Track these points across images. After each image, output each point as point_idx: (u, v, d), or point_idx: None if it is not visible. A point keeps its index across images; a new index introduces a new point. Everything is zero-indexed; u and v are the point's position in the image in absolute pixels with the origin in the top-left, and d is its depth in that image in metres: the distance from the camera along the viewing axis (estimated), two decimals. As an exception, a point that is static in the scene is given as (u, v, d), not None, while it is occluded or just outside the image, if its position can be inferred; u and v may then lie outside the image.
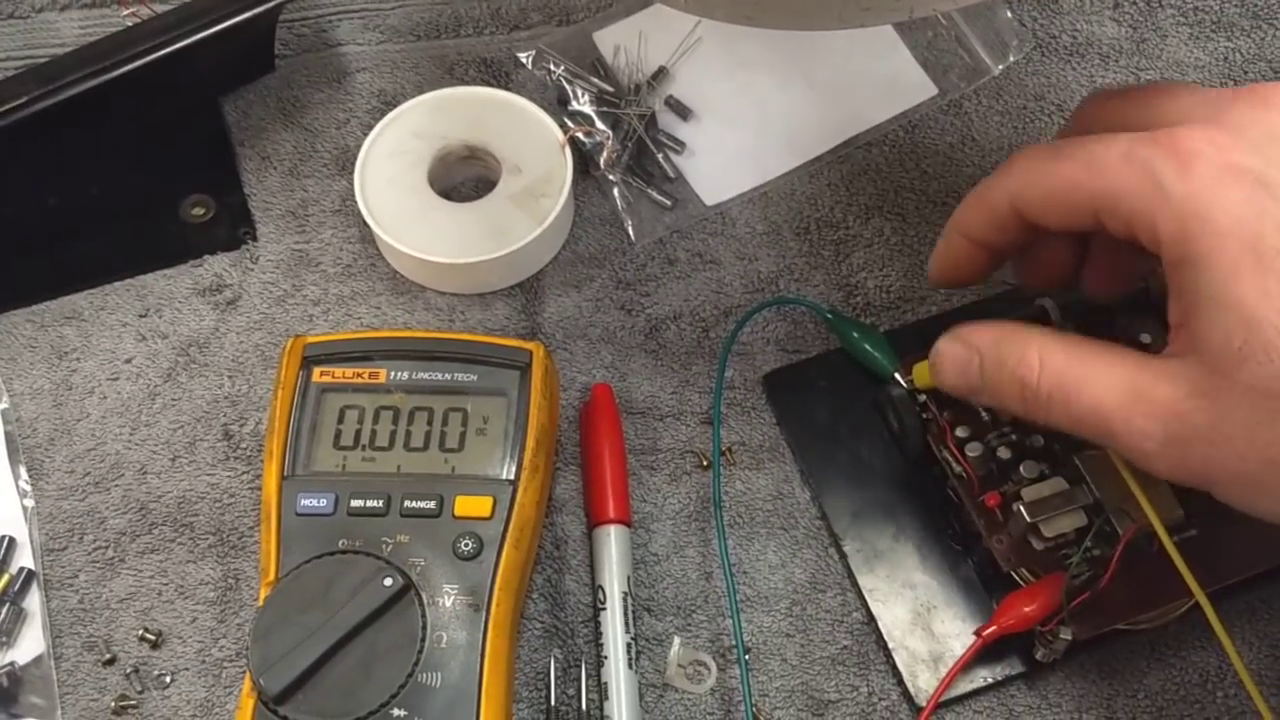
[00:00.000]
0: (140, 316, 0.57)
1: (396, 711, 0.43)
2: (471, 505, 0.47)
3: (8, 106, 0.54)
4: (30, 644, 0.49)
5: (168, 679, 0.49)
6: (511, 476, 0.48)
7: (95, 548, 0.51)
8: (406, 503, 0.47)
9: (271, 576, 0.46)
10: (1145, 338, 0.51)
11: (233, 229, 0.59)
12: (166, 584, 0.51)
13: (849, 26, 0.46)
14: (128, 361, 0.56)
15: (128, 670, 0.49)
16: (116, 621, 0.50)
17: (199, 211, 0.59)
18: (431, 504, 0.47)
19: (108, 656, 0.49)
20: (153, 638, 0.49)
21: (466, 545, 0.46)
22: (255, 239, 0.59)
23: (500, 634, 0.45)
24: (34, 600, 0.50)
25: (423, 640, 0.44)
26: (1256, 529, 0.48)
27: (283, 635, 0.44)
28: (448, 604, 0.45)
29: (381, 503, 0.47)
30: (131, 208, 0.60)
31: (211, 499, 0.52)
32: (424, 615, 0.45)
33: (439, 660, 0.44)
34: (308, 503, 0.47)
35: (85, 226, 0.59)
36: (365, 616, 0.44)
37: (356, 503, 0.47)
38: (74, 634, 0.50)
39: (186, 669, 0.49)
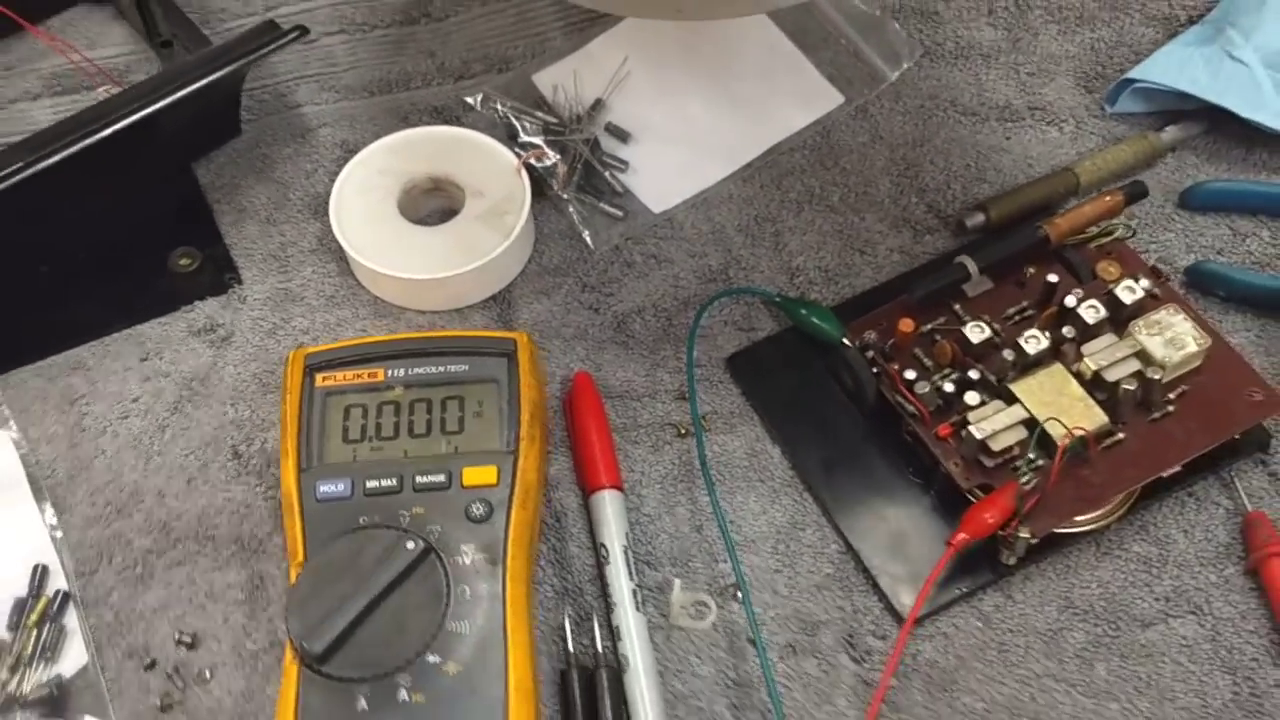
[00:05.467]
0: (142, 360, 0.61)
1: (432, 658, 0.47)
2: (479, 475, 0.52)
3: (4, 172, 0.58)
4: (74, 658, 0.52)
5: (208, 674, 0.52)
6: (511, 447, 0.53)
7: (124, 567, 0.55)
8: (418, 479, 0.51)
9: (300, 558, 0.50)
10: (1053, 277, 0.58)
11: (218, 275, 0.64)
12: (196, 591, 0.54)
13: (687, 19, 0.52)
14: (135, 400, 0.60)
15: (169, 671, 0.52)
16: (153, 630, 0.53)
17: (185, 262, 0.64)
18: (441, 477, 0.51)
19: (148, 661, 0.52)
20: (188, 640, 0.53)
21: (478, 509, 0.51)
22: (240, 282, 0.64)
23: (518, 583, 0.50)
24: (72, 619, 0.53)
25: (448, 594, 0.49)
26: (1177, 431, 0.55)
27: (318, 604, 0.48)
28: (466, 562, 0.50)
29: (395, 482, 0.51)
30: (122, 266, 0.64)
31: (229, 512, 0.56)
32: (446, 572, 0.49)
33: (465, 610, 0.48)
34: (326, 489, 0.51)
35: (80, 286, 0.64)
36: (393, 579, 0.48)
37: (372, 484, 0.51)
38: (114, 645, 0.53)
39: (224, 664, 0.52)
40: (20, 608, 0.53)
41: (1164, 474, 0.55)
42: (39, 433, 0.59)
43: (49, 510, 0.56)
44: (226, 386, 0.60)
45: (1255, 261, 0.63)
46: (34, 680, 0.51)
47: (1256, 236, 0.64)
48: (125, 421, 0.59)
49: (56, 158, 0.60)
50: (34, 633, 0.52)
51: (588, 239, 0.65)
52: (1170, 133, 0.67)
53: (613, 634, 0.52)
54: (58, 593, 0.53)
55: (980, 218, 0.64)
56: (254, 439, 0.58)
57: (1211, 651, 0.52)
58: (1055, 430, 0.53)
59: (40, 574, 0.54)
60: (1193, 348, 0.55)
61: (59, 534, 0.55)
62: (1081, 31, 0.72)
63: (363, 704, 0.46)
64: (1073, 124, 0.69)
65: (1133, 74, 0.68)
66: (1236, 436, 0.56)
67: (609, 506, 0.55)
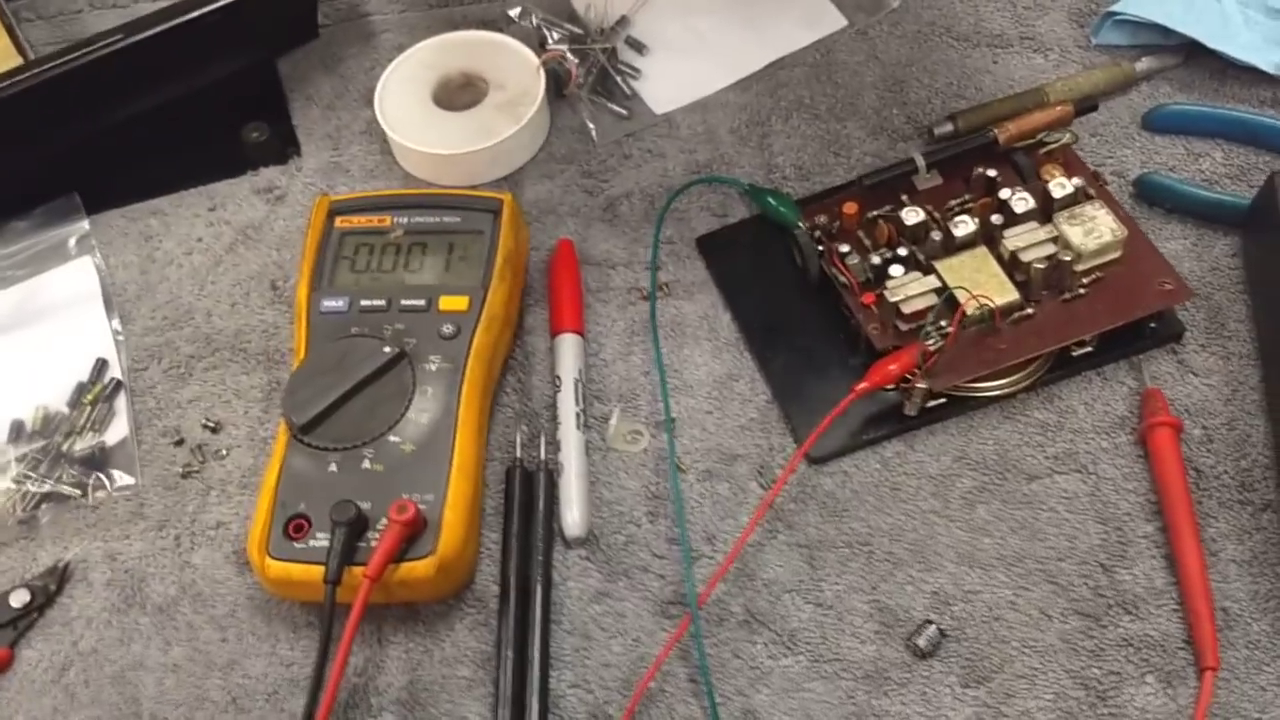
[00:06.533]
0: (210, 210, 0.72)
1: (393, 438, 0.57)
2: (453, 303, 0.61)
3: (106, 42, 0.70)
4: (117, 431, 0.63)
5: (224, 452, 0.63)
6: (484, 284, 0.62)
7: (170, 366, 0.66)
8: (403, 301, 0.61)
9: (301, 355, 0.60)
10: (992, 172, 0.64)
11: (282, 148, 0.75)
12: (224, 390, 0.65)
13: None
14: (199, 241, 0.71)
15: (193, 447, 0.63)
16: (185, 417, 0.64)
17: (256, 135, 0.75)
18: (422, 302, 0.61)
19: (177, 439, 0.63)
20: (213, 425, 0.63)
21: (448, 329, 0.60)
22: (300, 154, 0.75)
23: (474, 390, 0.59)
24: (121, 402, 0.64)
25: (413, 390, 0.58)
26: (1086, 311, 0.60)
27: (307, 390, 0.58)
28: (432, 369, 0.59)
29: (384, 302, 0.61)
30: (203, 134, 0.76)
31: (260, 330, 0.67)
32: (414, 374, 0.58)
33: (425, 405, 0.58)
34: (328, 304, 0.61)
35: (167, 149, 0.75)
36: (369, 374, 0.58)
37: (365, 302, 0.61)
38: (151, 426, 0.64)
39: (239, 446, 0.63)
40: (80, 389, 0.64)
41: (1074, 348, 0.60)
42: (117, 260, 0.70)
43: (116, 320, 0.67)
44: (275, 235, 0.71)
45: (1205, 179, 0.67)
46: (82, 444, 0.62)
47: (1209, 157, 0.68)
48: (189, 257, 0.70)
49: (150, 32, 0.71)
50: (88, 409, 0.63)
51: (593, 133, 0.73)
52: (1145, 62, 0.72)
53: (555, 447, 0.60)
54: (112, 380, 0.65)
55: (949, 127, 0.70)
56: (290, 276, 0.69)
57: (1089, 504, 0.57)
58: (961, 296, 0.59)
59: (100, 365, 0.65)
60: (1109, 238, 0.60)
61: (121, 338, 0.67)
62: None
63: (333, 467, 0.56)
64: (1058, 53, 0.74)
65: (1114, 7, 0.73)
66: (1153, 325, 0.61)
67: (568, 345, 0.63)
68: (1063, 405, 0.60)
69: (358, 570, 0.53)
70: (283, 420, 0.58)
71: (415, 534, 0.54)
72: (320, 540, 0.54)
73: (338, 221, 0.65)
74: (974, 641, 0.54)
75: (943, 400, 0.60)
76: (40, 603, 0.58)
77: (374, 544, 0.54)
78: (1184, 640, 0.53)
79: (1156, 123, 0.70)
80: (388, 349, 0.59)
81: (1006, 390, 0.61)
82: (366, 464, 0.56)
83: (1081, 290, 0.61)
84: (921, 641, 0.53)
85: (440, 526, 0.54)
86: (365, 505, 0.55)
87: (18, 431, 0.63)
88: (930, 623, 0.54)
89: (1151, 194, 0.67)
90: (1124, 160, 0.69)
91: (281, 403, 0.58)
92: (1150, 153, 0.69)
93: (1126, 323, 0.60)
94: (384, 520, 0.54)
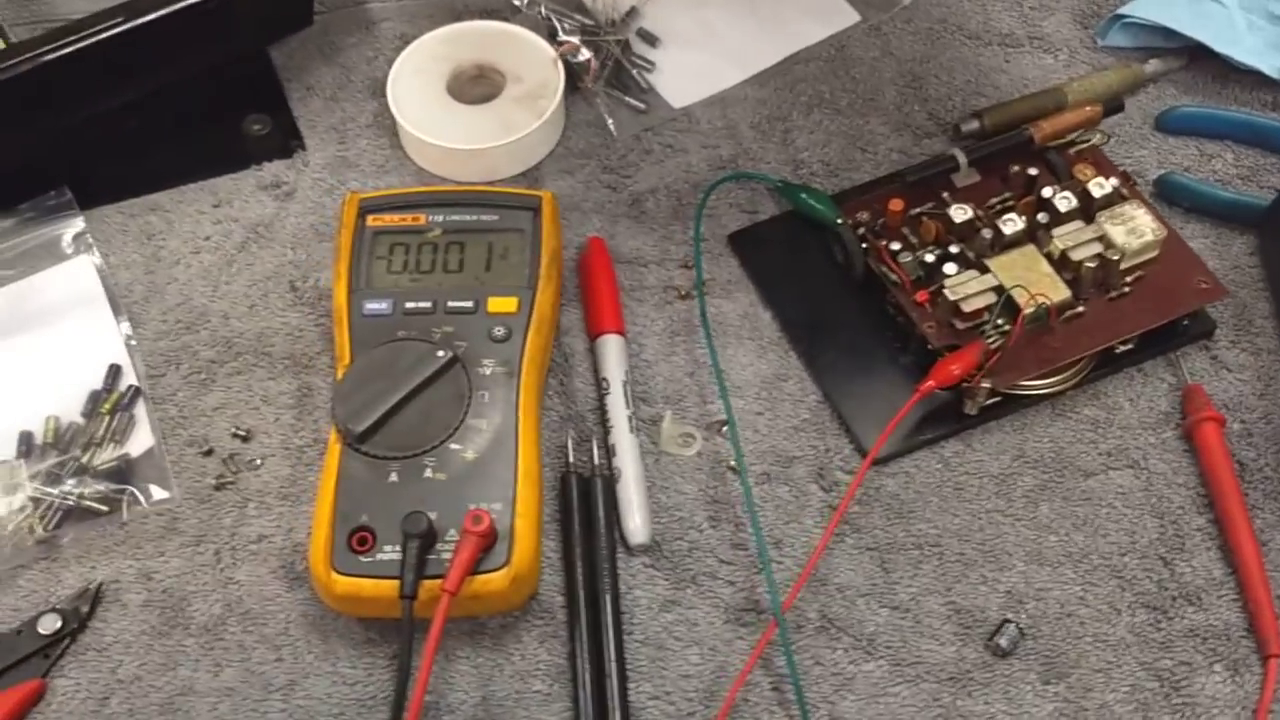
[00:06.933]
0: (214, 206, 0.69)
1: (453, 445, 0.55)
2: (502, 304, 0.59)
3: (103, 25, 0.66)
4: (140, 442, 0.60)
5: (258, 462, 0.59)
6: (531, 284, 0.60)
7: (190, 372, 0.62)
8: (450, 304, 0.59)
9: (346, 361, 0.57)
10: (1034, 170, 0.65)
11: (285, 141, 0.72)
12: (251, 396, 0.62)
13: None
14: (206, 239, 0.67)
15: (224, 458, 0.59)
16: (211, 425, 0.61)
17: (257, 128, 0.71)
18: (470, 304, 0.59)
19: (206, 449, 0.60)
20: (243, 434, 0.60)
21: (500, 331, 0.58)
22: (304, 148, 0.71)
23: (529, 395, 0.57)
24: (140, 410, 0.60)
25: (469, 395, 0.56)
26: (1131, 309, 0.61)
27: (360, 396, 0.55)
28: (487, 372, 0.57)
29: (430, 304, 0.59)
30: (201, 127, 0.72)
31: (284, 334, 0.64)
32: (469, 379, 0.56)
33: (484, 410, 0.56)
34: (371, 307, 0.59)
35: (162, 141, 0.72)
36: (423, 380, 0.56)
37: (410, 305, 0.59)
38: (176, 436, 0.60)
39: (273, 455, 0.60)
40: (94, 398, 0.60)
41: (1117, 346, 0.61)
42: (119, 260, 0.66)
43: (125, 323, 0.63)
44: (287, 233, 0.68)
45: (1218, 179, 0.69)
46: (104, 457, 0.59)
47: (1221, 158, 0.70)
48: (197, 256, 0.67)
49: (144, 19, 0.67)
50: (106, 419, 0.59)
51: (612, 128, 0.72)
52: (1153, 64, 0.74)
53: (608, 452, 0.59)
54: (129, 388, 0.61)
55: (975, 124, 0.70)
56: (309, 277, 0.66)
57: (1144, 499, 0.58)
58: (1020, 296, 0.59)
59: (114, 371, 0.61)
60: (1150, 237, 0.61)
61: (133, 342, 0.63)
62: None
63: (394, 477, 0.54)
64: (1066, 53, 0.75)
65: (1122, 10, 0.74)
66: (1185, 322, 0.63)
67: (612, 346, 0.62)
68: (1109, 402, 0.61)
69: (431, 584, 0.51)
70: (333, 429, 0.55)
71: (489, 545, 0.52)
72: (387, 553, 0.52)
73: (369, 220, 0.62)
74: (1049, 638, 0.54)
75: (997, 399, 0.60)
76: (72, 628, 0.54)
77: (445, 556, 0.52)
78: (1245, 629, 0.55)
79: (1170, 124, 0.71)
80: (440, 353, 0.57)
81: (1057, 388, 0.61)
82: (429, 473, 0.54)
83: (1126, 289, 0.62)
84: (1003, 641, 0.54)
85: (512, 536, 0.53)
86: (432, 516, 0.52)
87: (28, 444, 0.59)
88: (1009, 621, 0.54)
89: (1171, 194, 0.68)
90: (1142, 160, 0.70)
91: (332, 410, 0.55)
92: (1165, 153, 0.70)
93: (1168, 321, 0.61)
94: (452, 531, 0.52)
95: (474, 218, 0.62)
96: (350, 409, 0.55)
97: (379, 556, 0.52)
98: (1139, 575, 0.56)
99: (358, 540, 0.53)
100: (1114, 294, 0.62)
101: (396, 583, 0.51)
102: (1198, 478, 0.59)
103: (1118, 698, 0.53)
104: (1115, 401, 0.61)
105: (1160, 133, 0.71)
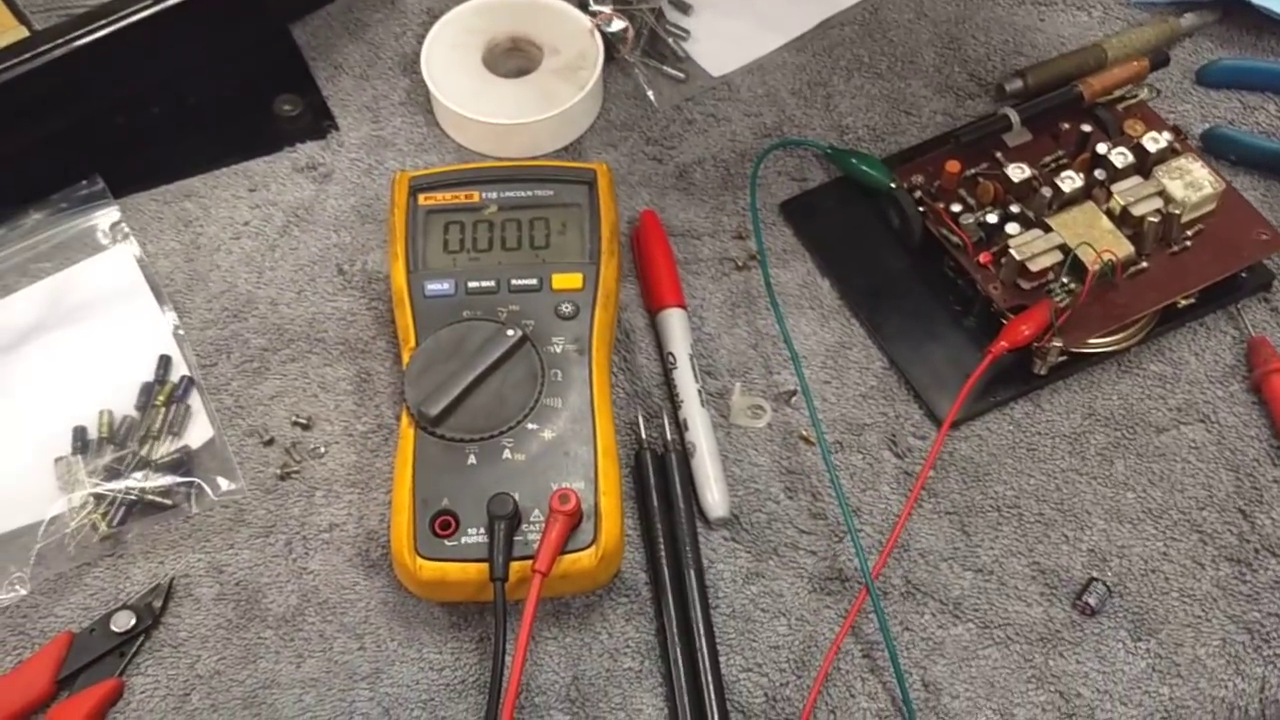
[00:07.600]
0: (250, 190, 0.67)
1: (530, 425, 0.54)
2: (566, 280, 0.58)
3: (128, 9, 0.64)
4: (199, 433, 0.58)
5: (322, 450, 0.58)
6: (594, 259, 0.59)
7: (242, 361, 0.61)
8: (513, 282, 0.58)
9: (411, 343, 0.56)
10: (1086, 127, 0.64)
11: (317, 121, 0.70)
12: (308, 383, 0.60)
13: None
14: (245, 224, 0.66)
15: (286, 447, 0.58)
16: (270, 414, 0.59)
17: (288, 108, 0.70)
18: (534, 281, 0.58)
19: (267, 438, 0.58)
20: (304, 422, 0.59)
21: (567, 308, 0.57)
22: (338, 129, 0.70)
23: (601, 371, 0.56)
24: (196, 401, 0.59)
25: (543, 374, 0.55)
26: (1193, 263, 0.61)
27: (430, 378, 0.54)
28: (558, 350, 0.56)
29: (493, 283, 0.57)
30: (229, 110, 0.71)
31: (336, 318, 0.62)
32: (540, 358, 0.55)
33: (558, 389, 0.55)
34: (434, 288, 0.57)
35: (191, 126, 0.70)
36: (495, 360, 0.55)
37: (473, 284, 0.57)
38: (234, 426, 0.59)
39: (336, 442, 0.58)
40: (147, 390, 0.59)
41: (1180, 300, 0.61)
42: (156, 248, 0.65)
43: (170, 313, 0.62)
44: (329, 216, 0.66)
45: (1262, 131, 0.69)
46: (163, 450, 0.57)
47: (1264, 109, 0.70)
48: (237, 241, 0.65)
49: (168, 1, 0.66)
50: (162, 411, 0.58)
51: (651, 98, 0.70)
52: (1189, 18, 0.73)
53: (679, 427, 0.58)
54: (182, 378, 0.59)
55: (1019, 83, 0.70)
56: (356, 260, 0.64)
57: (1217, 453, 0.58)
58: (1086, 254, 0.59)
59: (165, 362, 0.60)
60: (1209, 190, 0.61)
61: (181, 332, 0.61)
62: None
63: (472, 459, 0.53)
64: (1100, 10, 0.75)
65: (1157, -36, 0.74)
66: (1244, 275, 0.63)
67: (675, 320, 0.61)
68: (1175, 357, 0.61)
69: (519, 566, 0.50)
70: (404, 412, 0.54)
71: (575, 524, 0.51)
72: (472, 537, 0.51)
73: (421, 199, 0.61)
74: (1136, 595, 0.54)
75: (1064, 358, 0.60)
76: (146, 624, 0.53)
77: (530, 537, 0.51)
78: (1328, 580, 0.55)
79: (1211, 78, 0.71)
80: (510, 332, 0.55)
81: (1122, 345, 0.61)
82: (507, 454, 0.53)
83: (1187, 243, 0.61)
84: (1092, 600, 0.53)
85: (597, 515, 0.52)
86: (515, 497, 0.51)
87: (82, 440, 0.57)
88: (1096, 579, 0.54)
89: (1218, 147, 0.68)
90: (1185, 115, 0.70)
91: (405, 394, 0.54)
92: (1208, 107, 0.70)
93: (1231, 274, 0.61)
94: (536, 512, 0.51)
95: (529, 193, 0.61)
96: (422, 392, 0.54)
97: (463, 540, 0.51)
98: (1219, 529, 0.56)
99: (440, 524, 0.51)
100: (1175, 248, 0.61)
101: (483, 566, 0.50)
102: (1269, 429, 0.59)
103: (1208, 652, 0.53)
104: (1180, 356, 0.61)
105: (1201, 86, 0.71)
